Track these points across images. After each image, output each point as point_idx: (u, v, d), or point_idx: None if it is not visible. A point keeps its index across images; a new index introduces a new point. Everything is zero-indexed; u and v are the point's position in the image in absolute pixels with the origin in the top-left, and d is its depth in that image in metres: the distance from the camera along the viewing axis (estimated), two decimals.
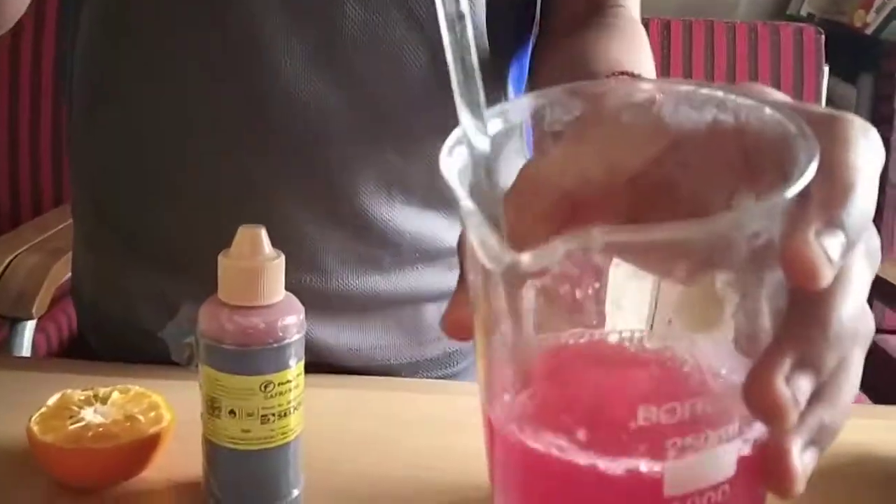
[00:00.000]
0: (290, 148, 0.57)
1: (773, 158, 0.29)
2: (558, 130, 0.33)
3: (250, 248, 0.42)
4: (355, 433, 0.51)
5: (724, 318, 0.30)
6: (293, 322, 0.42)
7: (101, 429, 0.45)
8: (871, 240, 0.29)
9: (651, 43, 0.60)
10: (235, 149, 0.57)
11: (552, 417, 0.32)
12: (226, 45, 0.55)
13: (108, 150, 0.60)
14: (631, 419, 0.29)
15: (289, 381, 0.42)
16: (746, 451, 0.30)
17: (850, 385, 0.30)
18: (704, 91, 0.32)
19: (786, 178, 0.28)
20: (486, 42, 0.58)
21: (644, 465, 0.29)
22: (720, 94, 0.31)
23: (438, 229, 0.61)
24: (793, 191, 0.27)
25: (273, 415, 0.42)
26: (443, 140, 0.30)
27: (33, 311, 0.89)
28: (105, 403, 0.47)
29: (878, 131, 0.30)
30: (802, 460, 0.29)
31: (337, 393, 0.54)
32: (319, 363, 0.57)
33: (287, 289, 0.43)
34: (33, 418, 0.46)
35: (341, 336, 0.60)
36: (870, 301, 0.31)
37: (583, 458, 0.30)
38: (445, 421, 0.52)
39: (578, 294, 0.34)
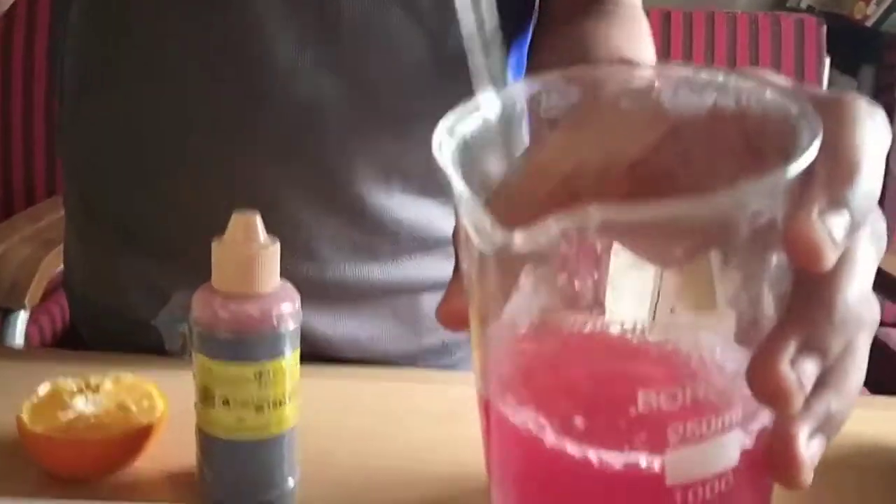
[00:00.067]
0: (287, 136, 0.56)
1: (775, 142, 0.28)
2: (555, 117, 0.33)
3: (245, 234, 0.41)
4: (351, 424, 0.50)
5: (725, 302, 0.29)
6: (289, 310, 0.41)
7: (92, 419, 0.44)
8: (877, 223, 0.28)
9: (651, 33, 0.59)
10: (231, 137, 0.56)
11: (550, 405, 0.31)
12: (221, 33, 0.55)
13: (99, 139, 0.60)
14: (631, 405, 0.28)
15: (284, 371, 0.42)
16: (750, 440, 0.29)
17: (856, 371, 0.29)
18: (704, 75, 0.31)
19: (789, 161, 0.27)
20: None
21: (645, 453, 0.28)
22: (720, 77, 0.31)
23: (436, 217, 0.60)
24: (795, 168, 0.26)
25: (268, 404, 0.41)
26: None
27: (25, 301, 0.88)
28: (97, 393, 0.46)
29: None
30: (809, 449, 0.28)
31: (333, 384, 0.54)
32: (315, 354, 0.56)
33: (282, 278, 0.42)
34: (24, 408, 0.45)
35: (337, 326, 0.59)
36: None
37: (581, 447, 0.29)
38: (442, 411, 0.51)
39: (577, 283, 0.34)
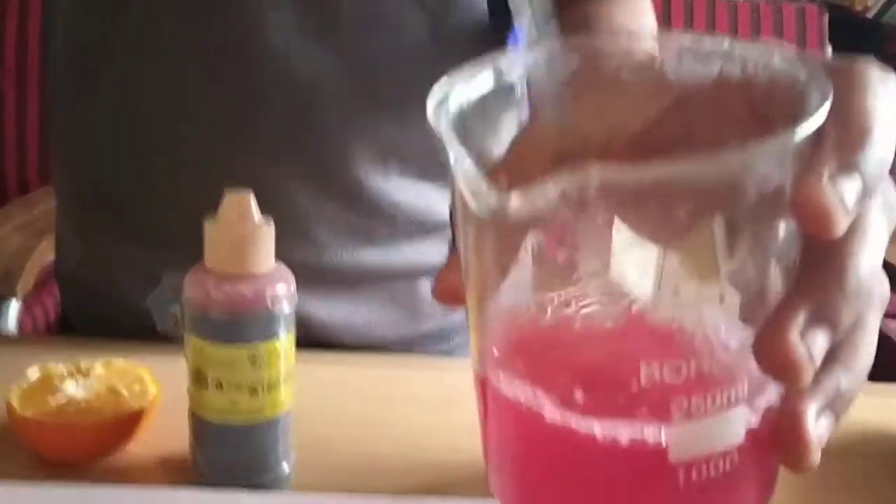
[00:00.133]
0: (285, 118, 0.55)
1: (783, 109, 0.27)
2: (555, 88, 0.32)
3: (238, 213, 0.40)
4: (348, 410, 0.50)
5: (729, 275, 0.28)
6: (283, 291, 0.41)
7: (83, 403, 0.43)
8: (888, 192, 0.27)
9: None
10: (227, 119, 0.56)
11: (549, 380, 0.30)
12: (219, 15, 0.54)
13: (92, 124, 0.59)
14: (633, 378, 0.27)
15: (278, 353, 0.41)
16: (756, 417, 0.28)
17: (866, 348, 0.28)
18: (709, 43, 0.30)
19: (797, 124, 0.26)
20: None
21: (648, 428, 0.28)
22: (726, 45, 0.30)
23: (434, 201, 0.59)
24: (804, 129, 0.25)
25: (262, 387, 0.41)
26: None
27: (17, 289, 0.87)
28: (87, 377, 0.45)
29: None
30: (817, 427, 0.27)
31: (329, 370, 0.53)
32: (311, 339, 0.55)
33: (277, 260, 0.41)
34: (13, 393, 0.44)
35: (334, 311, 0.59)
36: None
37: (582, 422, 0.28)
38: (439, 398, 0.51)
39: (577, 259, 0.33)
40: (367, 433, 0.48)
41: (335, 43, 0.54)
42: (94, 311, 0.62)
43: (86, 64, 0.58)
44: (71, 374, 0.45)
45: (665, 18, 1.30)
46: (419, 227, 0.59)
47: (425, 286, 0.60)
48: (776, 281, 0.28)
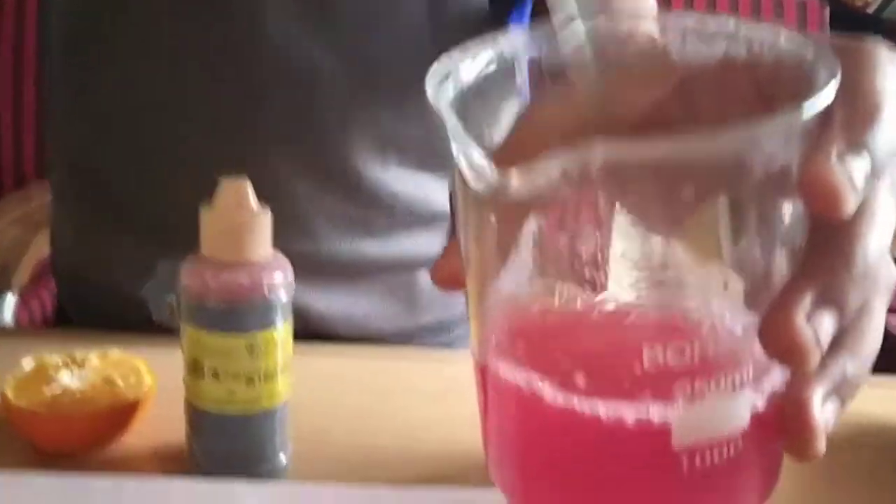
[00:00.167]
0: (283, 111, 0.55)
1: (789, 89, 0.27)
2: (557, 69, 0.31)
3: (235, 201, 0.40)
4: (346, 402, 0.49)
5: (734, 259, 0.28)
6: (280, 280, 0.40)
7: (78, 394, 0.43)
8: None
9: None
10: (226, 113, 0.55)
11: (550, 364, 0.30)
12: (217, 10, 0.53)
13: (90, 119, 0.58)
14: (636, 362, 0.27)
15: (275, 342, 0.40)
16: (761, 402, 0.28)
17: (873, 333, 0.28)
18: (713, 24, 0.29)
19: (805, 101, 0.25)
20: None
21: (651, 413, 0.27)
22: (731, 25, 0.29)
23: (433, 192, 0.59)
24: (812, 106, 0.24)
25: (259, 377, 0.40)
26: None
27: (13, 282, 0.87)
28: (82, 368, 0.45)
29: None
30: (823, 412, 0.27)
31: (327, 362, 0.53)
32: (309, 331, 0.55)
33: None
34: (7, 383, 0.43)
35: (332, 303, 0.58)
36: None
37: (584, 406, 0.28)
38: (438, 390, 0.50)
39: (578, 246, 0.32)
40: (365, 425, 0.47)
41: (334, 34, 0.54)
42: (90, 303, 0.61)
43: (84, 60, 0.57)
44: (66, 365, 0.45)
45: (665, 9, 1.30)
46: (418, 219, 0.59)
47: (424, 278, 0.60)
48: (781, 264, 0.27)
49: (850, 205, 0.24)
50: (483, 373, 0.31)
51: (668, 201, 0.27)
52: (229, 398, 0.40)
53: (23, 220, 0.95)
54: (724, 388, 0.27)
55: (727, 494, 0.29)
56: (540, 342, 0.31)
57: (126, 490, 0.37)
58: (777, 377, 0.28)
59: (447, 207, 0.59)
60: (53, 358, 0.45)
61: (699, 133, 0.24)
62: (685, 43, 0.30)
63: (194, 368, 0.40)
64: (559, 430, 0.29)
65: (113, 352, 0.46)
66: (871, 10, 1.59)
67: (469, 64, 0.29)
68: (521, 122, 0.30)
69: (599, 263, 0.32)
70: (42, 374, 0.44)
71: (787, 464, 0.32)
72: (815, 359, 0.25)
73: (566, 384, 0.28)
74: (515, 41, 0.30)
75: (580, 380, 0.28)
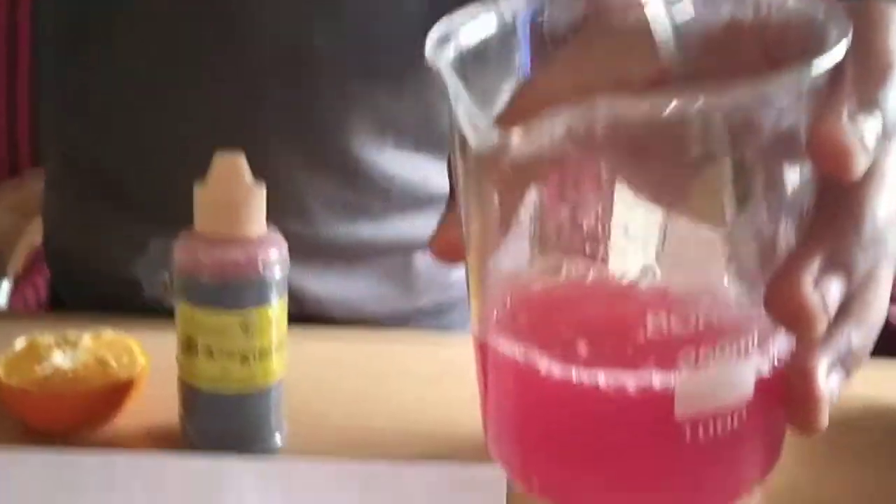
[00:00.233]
0: (277, 87, 0.54)
1: (798, 52, 0.26)
2: (558, 35, 0.31)
3: (228, 176, 0.39)
4: (342, 385, 0.49)
5: (739, 225, 0.27)
6: (275, 257, 0.40)
7: (70, 373, 0.42)
8: None
9: None
10: (218, 89, 0.55)
11: (551, 335, 0.29)
12: None
13: (81, 90, 0.58)
14: (639, 330, 0.26)
15: (270, 320, 0.40)
16: (765, 371, 0.27)
17: (878, 302, 0.27)
18: None
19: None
20: None
21: (654, 382, 0.26)
22: None
23: (429, 174, 0.58)
24: (822, 62, 0.24)
25: (253, 355, 0.40)
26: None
27: (8, 269, 0.86)
28: (75, 348, 0.44)
29: None
30: (828, 384, 0.26)
31: (323, 345, 0.52)
32: (305, 314, 0.55)
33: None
34: None
35: (328, 286, 0.58)
36: None
37: (585, 377, 0.27)
38: (434, 372, 0.50)
39: (579, 218, 0.32)
40: (361, 407, 0.47)
41: (332, 15, 0.53)
42: (83, 285, 0.61)
43: (78, 47, 0.56)
44: (58, 345, 0.44)
45: None
46: (415, 201, 0.58)
47: (420, 260, 0.59)
48: (788, 229, 0.27)
49: (860, 166, 0.24)
50: (483, 347, 0.31)
51: (673, 163, 0.27)
52: (223, 376, 0.40)
53: (17, 208, 0.94)
54: (729, 357, 0.26)
55: (730, 467, 0.29)
56: (541, 314, 0.31)
57: (118, 466, 0.37)
58: (782, 345, 0.28)
59: (444, 190, 0.59)
60: (46, 338, 0.45)
61: (709, 88, 0.23)
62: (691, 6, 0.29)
63: (188, 346, 0.40)
64: (560, 402, 0.28)
65: (106, 332, 0.46)
66: None
67: (469, 27, 0.29)
68: (523, 87, 0.30)
69: (601, 235, 0.32)
70: (34, 354, 0.44)
71: (788, 444, 0.32)
72: (822, 325, 0.25)
73: (567, 355, 0.28)
74: (516, 5, 0.30)
75: (581, 350, 0.28)
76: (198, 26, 0.54)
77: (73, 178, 0.60)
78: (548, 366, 0.28)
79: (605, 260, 0.32)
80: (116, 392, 0.43)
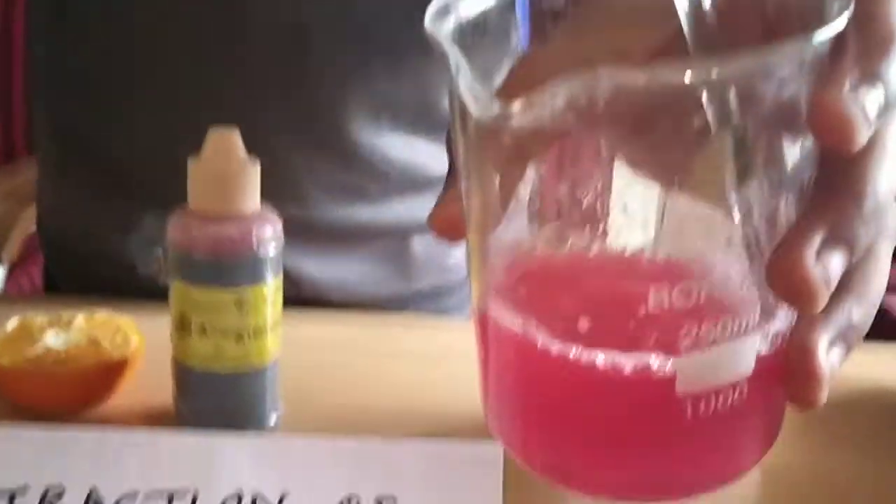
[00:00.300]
0: (271, 68, 0.54)
1: (798, 25, 0.26)
2: (557, 7, 0.31)
3: (223, 151, 0.39)
4: (338, 368, 0.48)
5: (739, 200, 0.27)
6: (270, 233, 0.39)
7: (62, 353, 0.42)
8: None
9: None
10: (212, 70, 0.54)
11: (552, 310, 0.29)
12: None
13: (72, 69, 0.57)
14: (641, 304, 0.26)
15: (265, 298, 0.39)
16: (766, 347, 0.27)
17: (878, 277, 0.27)
18: None
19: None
20: None
21: (655, 357, 0.26)
22: None
23: (427, 157, 0.58)
24: (824, 33, 0.23)
25: (248, 334, 0.39)
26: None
27: (3, 256, 0.86)
28: (68, 328, 0.44)
29: None
30: (828, 359, 0.26)
31: (320, 328, 0.52)
32: (301, 297, 0.54)
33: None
34: None
35: (324, 268, 0.57)
36: None
37: (587, 351, 0.27)
38: (432, 354, 0.50)
39: (579, 194, 0.32)
40: (358, 390, 0.46)
41: None
42: (77, 268, 0.60)
43: (66, 10, 0.56)
44: (51, 326, 0.44)
45: None
46: (412, 184, 0.58)
47: (418, 243, 0.59)
48: (789, 203, 0.27)
49: (861, 137, 0.23)
50: (483, 323, 0.31)
51: (674, 135, 0.27)
52: (217, 355, 0.39)
53: (12, 195, 0.93)
54: (730, 333, 0.26)
55: (730, 444, 0.29)
56: (541, 289, 0.31)
57: (111, 442, 0.36)
58: (782, 321, 0.27)
59: (442, 172, 0.58)
60: (38, 318, 0.44)
61: (711, 58, 0.23)
62: None
63: (181, 325, 0.39)
64: (560, 377, 0.28)
65: (99, 313, 0.45)
66: None
67: (468, 1, 0.29)
68: (523, 59, 0.29)
69: (600, 212, 0.31)
70: (26, 334, 0.43)
71: (785, 425, 0.31)
72: (823, 299, 0.24)
73: (568, 330, 0.27)
74: None
75: (582, 325, 0.27)
76: (192, 6, 0.53)
77: (65, 159, 0.60)
78: (548, 342, 0.27)
79: (605, 234, 0.32)
80: (110, 372, 0.42)
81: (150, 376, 0.43)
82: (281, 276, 0.40)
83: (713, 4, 0.27)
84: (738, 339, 0.26)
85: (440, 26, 0.27)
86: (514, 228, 0.31)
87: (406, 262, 0.59)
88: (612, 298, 0.30)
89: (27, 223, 0.89)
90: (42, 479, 0.35)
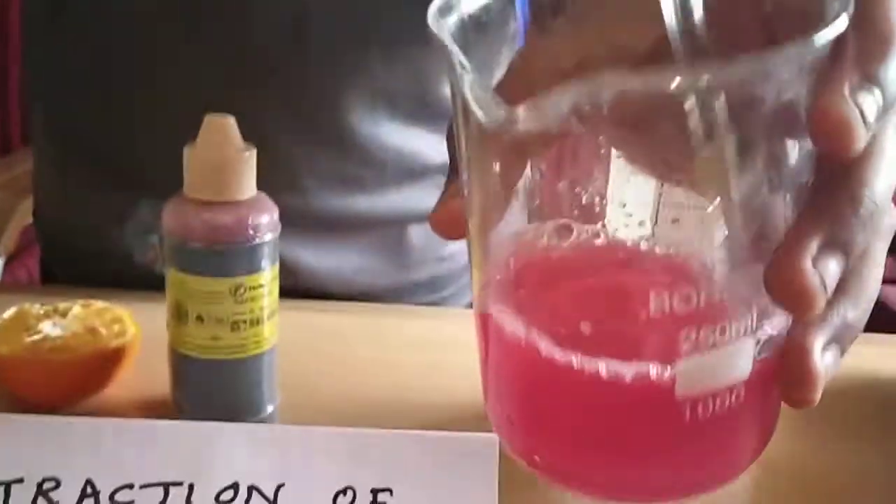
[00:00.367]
0: (267, 57, 0.54)
1: (797, 23, 0.26)
2: (556, 4, 0.31)
3: (219, 138, 0.38)
4: (336, 358, 0.48)
5: (739, 199, 0.27)
6: (266, 221, 0.39)
7: (59, 341, 0.42)
8: None
9: None
10: (208, 59, 0.54)
11: (556, 313, 0.29)
12: None
13: (70, 61, 0.57)
14: (642, 309, 0.26)
15: (261, 286, 0.39)
16: (763, 349, 0.27)
17: (873, 278, 0.27)
18: None
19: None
20: None
21: (655, 363, 0.26)
22: None
23: (424, 146, 0.58)
24: (824, 36, 0.23)
25: (244, 321, 0.39)
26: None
27: (0, 247, 0.86)
28: (65, 317, 0.44)
29: None
30: (823, 360, 0.26)
31: (317, 318, 0.52)
32: (298, 287, 0.54)
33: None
34: None
35: (322, 259, 0.57)
36: None
37: (588, 356, 0.27)
38: (431, 343, 0.49)
39: (578, 190, 0.32)
40: (356, 380, 0.46)
41: None
42: (74, 259, 0.60)
43: (64, 12, 0.55)
44: (48, 315, 0.44)
45: None
46: (409, 173, 0.58)
47: (415, 233, 0.59)
48: (788, 206, 0.27)
49: (859, 143, 0.23)
50: (484, 324, 0.31)
51: (675, 138, 0.27)
52: (213, 344, 0.39)
53: (8, 186, 0.93)
54: (729, 336, 0.26)
55: (727, 444, 0.29)
56: (542, 292, 0.31)
57: (107, 431, 0.36)
58: (778, 323, 0.28)
59: (439, 162, 0.58)
60: (35, 308, 0.44)
61: (710, 65, 0.23)
62: None
63: (178, 313, 0.39)
64: (560, 382, 0.28)
65: (96, 302, 0.45)
66: None
67: None
68: (523, 55, 0.29)
69: (598, 210, 0.31)
70: (23, 323, 0.43)
71: (781, 417, 0.31)
72: (820, 305, 0.24)
73: (569, 334, 0.28)
74: None
75: (583, 331, 0.28)
76: None
77: (61, 152, 0.59)
78: (549, 348, 0.28)
79: (606, 233, 0.32)
80: (107, 360, 0.42)
81: (147, 366, 0.43)
82: (277, 265, 0.40)
83: (703, 15, 0.27)
84: (736, 342, 0.26)
85: (443, 25, 0.27)
86: (515, 223, 0.31)
87: (403, 252, 0.59)
88: (613, 304, 0.30)
89: (24, 214, 0.88)
90: (38, 470, 0.35)
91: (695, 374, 0.26)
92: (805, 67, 0.24)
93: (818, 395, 0.27)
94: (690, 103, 0.25)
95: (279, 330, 0.41)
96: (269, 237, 0.39)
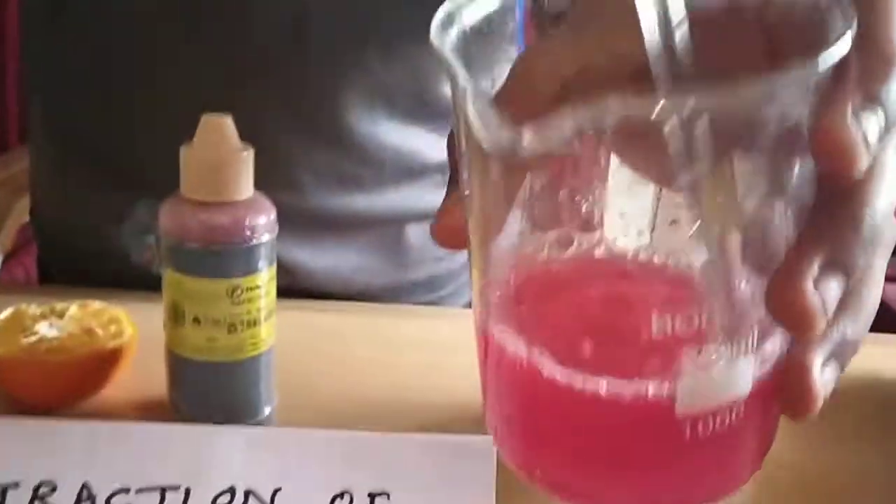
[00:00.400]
0: (267, 56, 0.54)
1: (800, 37, 0.25)
2: (557, 11, 0.30)
3: (215, 138, 0.38)
4: (334, 358, 0.48)
5: (742, 215, 0.27)
6: (263, 222, 0.39)
7: (55, 342, 0.42)
8: None
9: None
10: (208, 59, 0.54)
11: (557, 331, 0.29)
12: None
13: (69, 60, 0.57)
14: (643, 330, 0.26)
15: (258, 287, 0.39)
16: (763, 367, 0.27)
17: (872, 295, 0.27)
18: None
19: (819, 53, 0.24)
20: None
21: (656, 382, 0.26)
22: None
23: (423, 145, 0.57)
24: (830, 57, 0.23)
25: (241, 323, 0.39)
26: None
27: None
28: (62, 318, 0.43)
29: None
30: (823, 377, 0.26)
31: (315, 317, 0.51)
32: (296, 287, 0.54)
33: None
34: None
35: (320, 258, 0.57)
36: None
37: (589, 375, 0.27)
38: (430, 343, 0.49)
39: (578, 200, 0.32)
40: (354, 380, 0.46)
41: None
42: (72, 260, 0.60)
43: (63, 4, 0.55)
44: (45, 316, 0.44)
45: None
46: (407, 172, 0.58)
47: (413, 232, 0.59)
48: (789, 225, 0.27)
49: (862, 165, 0.23)
50: (484, 334, 0.31)
51: (679, 157, 0.27)
52: (210, 345, 0.39)
53: (5, 184, 0.93)
54: (730, 354, 0.26)
55: (727, 460, 0.29)
56: (543, 307, 0.31)
57: (103, 434, 0.36)
58: (778, 341, 0.28)
59: (437, 161, 0.58)
60: (32, 308, 0.44)
61: (716, 87, 0.23)
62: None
63: (174, 314, 0.39)
64: (561, 400, 0.28)
65: (93, 303, 0.45)
66: None
67: (472, 8, 0.29)
68: (522, 63, 0.29)
69: (600, 218, 0.31)
70: (19, 324, 0.43)
71: (781, 419, 0.31)
72: (821, 326, 0.25)
73: (570, 353, 0.28)
74: None
75: (585, 347, 0.28)
76: None
77: (59, 151, 0.59)
78: (551, 367, 0.28)
79: (608, 248, 0.32)
80: (104, 361, 0.42)
81: (143, 367, 0.43)
82: (275, 265, 0.40)
83: (686, 33, 0.27)
84: (737, 360, 0.27)
85: (445, 39, 0.27)
86: (516, 236, 0.31)
87: (401, 251, 0.59)
88: (614, 320, 0.30)
89: (21, 213, 0.88)
90: (34, 474, 0.34)
91: (695, 393, 0.27)
92: (809, 88, 0.24)
93: (817, 411, 0.27)
94: (696, 127, 0.25)
95: (276, 329, 0.41)
96: (266, 238, 0.39)
